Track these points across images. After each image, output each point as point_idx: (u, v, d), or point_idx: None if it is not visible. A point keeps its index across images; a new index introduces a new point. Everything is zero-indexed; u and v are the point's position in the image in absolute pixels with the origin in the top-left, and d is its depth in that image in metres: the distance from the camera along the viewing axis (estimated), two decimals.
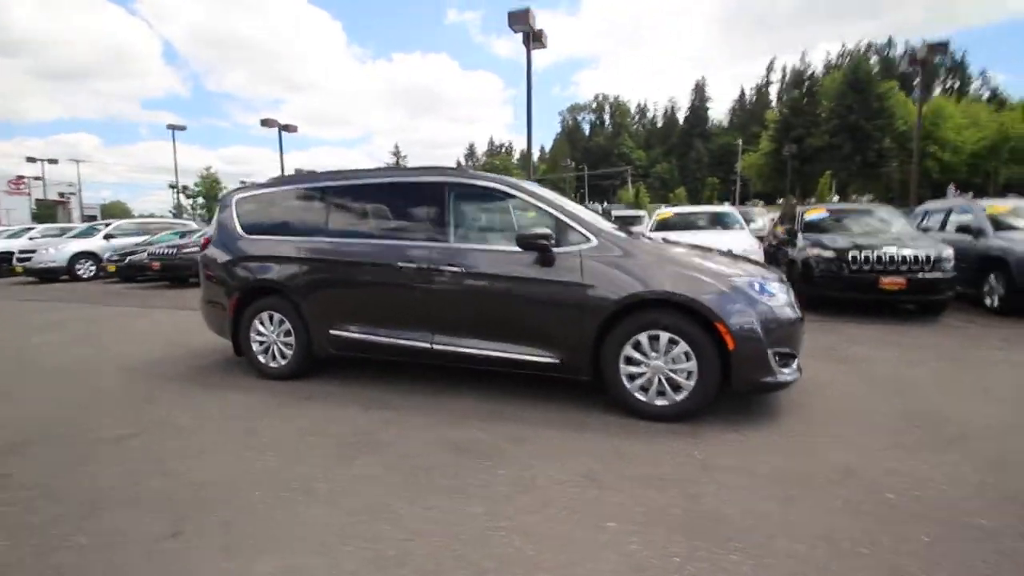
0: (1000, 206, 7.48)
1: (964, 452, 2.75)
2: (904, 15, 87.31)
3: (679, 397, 3.17)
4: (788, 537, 2.03)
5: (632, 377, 3.24)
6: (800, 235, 7.72)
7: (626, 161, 73.57)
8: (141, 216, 37.33)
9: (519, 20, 13.17)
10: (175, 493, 2.48)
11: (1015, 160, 41.77)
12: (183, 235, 13.26)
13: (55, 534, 2.17)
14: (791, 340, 3.24)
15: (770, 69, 74.76)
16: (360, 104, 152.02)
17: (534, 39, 13.68)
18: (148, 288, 11.40)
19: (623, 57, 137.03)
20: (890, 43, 62.93)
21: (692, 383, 3.12)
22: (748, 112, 74.78)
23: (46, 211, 39.38)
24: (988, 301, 6.74)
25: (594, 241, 3.38)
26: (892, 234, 7.25)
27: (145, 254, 11.79)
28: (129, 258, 12.35)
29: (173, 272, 11.38)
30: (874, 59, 59.89)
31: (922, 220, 8.83)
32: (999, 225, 7.00)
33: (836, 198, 40.01)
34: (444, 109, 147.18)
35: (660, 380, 3.18)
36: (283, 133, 27.38)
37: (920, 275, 6.15)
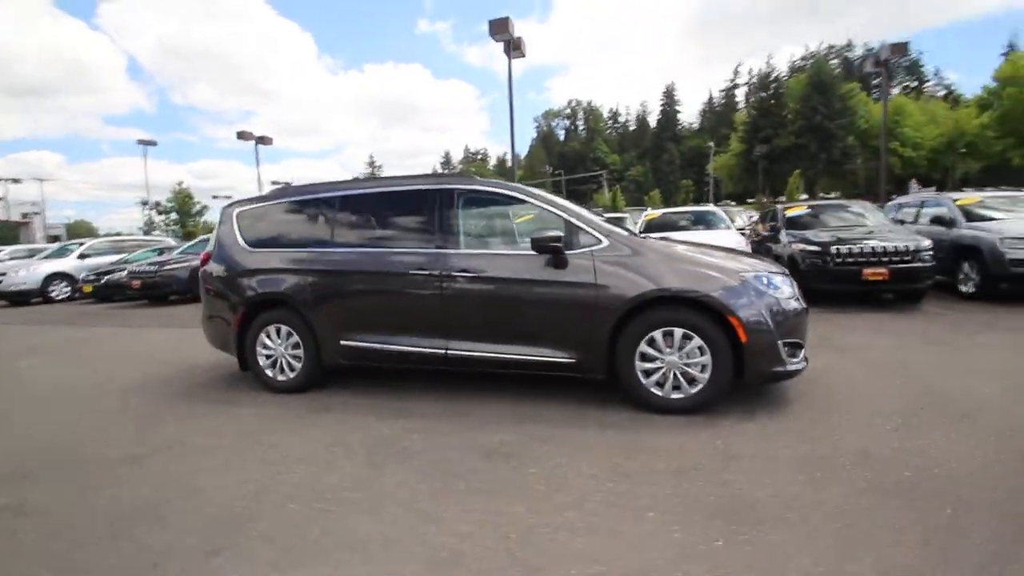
0: (968, 199, 7.88)
1: (971, 429, 2.90)
2: (856, 18, 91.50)
3: (694, 390, 3.26)
4: (823, 516, 2.12)
5: (648, 373, 3.32)
6: (784, 231, 7.99)
7: (601, 165, 74.40)
8: (108, 235, 36.23)
9: (499, 29, 13.34)
10: (203, 510, 2.44)
11: (971, 155, 43.82)
12: (161, 252, 12.96)
13: (81, 559, 2.11)
14: (798, 330, 3.36)
15: (736, 72, 76.53)
16: (332, 115, 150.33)
17: (513, 47, 13.85)
18: (126, 308, 11.08)
19: (594, 63, 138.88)
20: (849, 45, 65.45)
21: (707, 376, 3.22)
22: (717, 114, 76.45)
23: (9, 232, 37.80)
24: (963, 288, 7.07)
25: (605, 242, 3.46)
26: (870, 227, 7.57)
27: (125, 273, 11.46)
28: (106, 278, 11.99)
29: (154, 290, 11.08)
30: (834, 61, 62.06)
31: (896, 213, 9.23)
32: (970, 216, 7.38)
33: (804, 196, 41.26)
34: (417, 119, 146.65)
35: (675, 374, 3.27)
36: (259, 146, 27.00)
37: (901, 265, 6.44)
